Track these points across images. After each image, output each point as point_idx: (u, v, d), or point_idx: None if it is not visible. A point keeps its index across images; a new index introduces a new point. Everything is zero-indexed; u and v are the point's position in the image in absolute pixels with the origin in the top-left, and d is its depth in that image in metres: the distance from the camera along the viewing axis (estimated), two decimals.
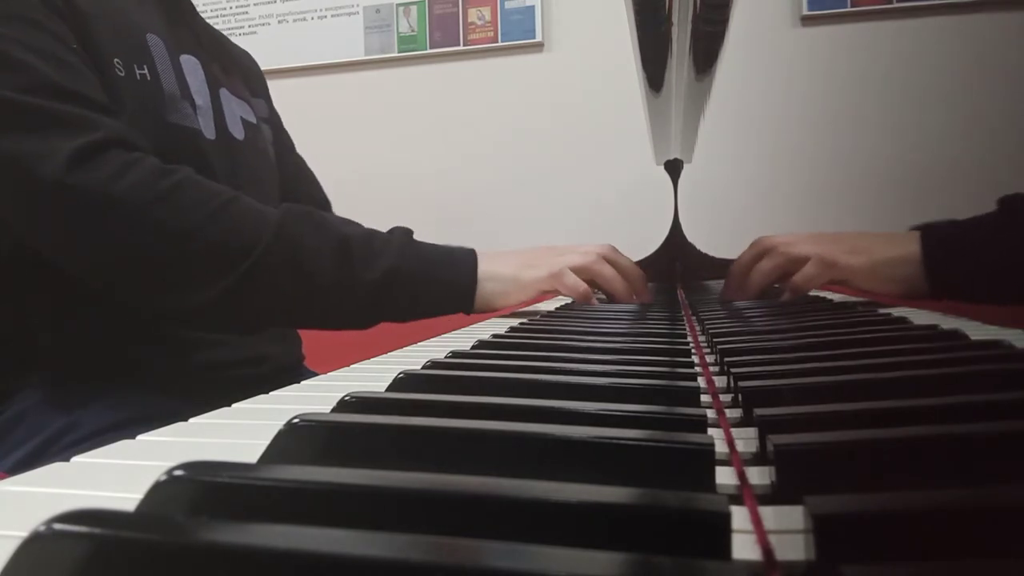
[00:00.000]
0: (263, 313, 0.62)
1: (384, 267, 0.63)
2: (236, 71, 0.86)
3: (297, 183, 0.94)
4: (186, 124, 0.69)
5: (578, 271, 0.69)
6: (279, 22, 1.88)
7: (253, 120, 0.83)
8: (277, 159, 0.89)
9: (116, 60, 0.64)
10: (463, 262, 0.67)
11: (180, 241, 0.57)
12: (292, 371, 0.84)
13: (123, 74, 0.64)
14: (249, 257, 0.59)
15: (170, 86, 0.68)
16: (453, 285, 0.66)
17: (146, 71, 0.66)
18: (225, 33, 0.96)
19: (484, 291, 0.67)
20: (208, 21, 0.89)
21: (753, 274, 0.70)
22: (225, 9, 1.89)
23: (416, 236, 0.69)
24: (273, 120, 0.93)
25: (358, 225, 0.66)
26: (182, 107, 0.69)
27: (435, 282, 0.65)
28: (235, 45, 0.95)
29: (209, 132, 0.72)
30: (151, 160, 0.59)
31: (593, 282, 0.71)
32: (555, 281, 0.69)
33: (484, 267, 0.67)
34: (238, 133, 0.77)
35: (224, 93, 0.77)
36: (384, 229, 0.68)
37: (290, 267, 0.60)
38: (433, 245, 0.68)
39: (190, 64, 0.73)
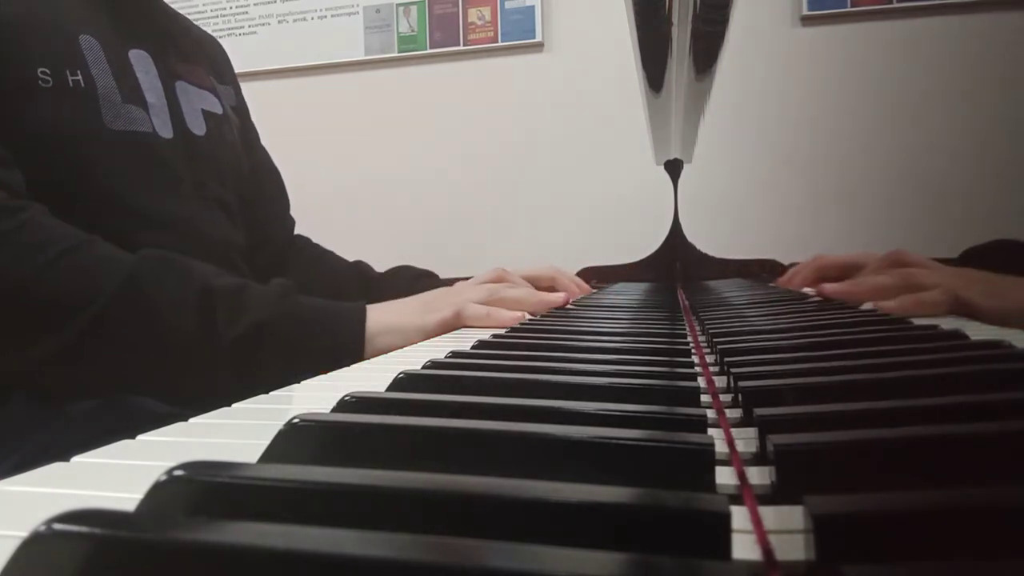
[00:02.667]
0: (115, 372, 0.56)
1: (251, 323, 0.56)
2: (201, 58, 0.83)
3: (259, 179, 0.92)
4: (133, 128, 0.66)
5: (483, 302, 0.64)
6: (279, 22, 1.88)
7: (218, 110, 0.80)
8: (244, 148, 0.86)
9: (41, 70, 0.60)
10: (348, 318, 0.61)
11: (13, 289, 0.52)
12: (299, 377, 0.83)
13: (50, 84, 0.61)
14: (89, 310, 0.53)
15: (108, 90, 0.65)
16: (334, 344, 0.59)
17: (80, 77, 0.63)
18: (225, 33, 0.96)
19: (378, 346, 0.61)
20: (208, 21, 0.89)
21: (867, 284, 0.63)
22: (225, 9, 1.89)
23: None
24: (241, 109, 0.90)
25: (229, 275, 0.60)
26: (127, 111, 0.66)
27: (312, 341, 0.59)
28: (200, 30, 0.91)
29: (165, 131, 0.70)
30: None
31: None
32: (459, 319, 0.63)
33: (375, 321, 0.61)
34: (199, 128, 0.75)
35: (182, 86, 0.74)
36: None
37: (141, 321, 0.54)
38: (315, 300, 0.62)
39: (140, 59, 0.69)
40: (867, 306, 0.62)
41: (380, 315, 0.62)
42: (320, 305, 0.62)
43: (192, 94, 0.76)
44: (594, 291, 0.91)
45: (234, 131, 0.83)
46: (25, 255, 0.53)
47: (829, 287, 0.66)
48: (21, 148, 0.61)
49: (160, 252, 0.58)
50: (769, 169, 1.61)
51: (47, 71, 0.61)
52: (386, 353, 0.60)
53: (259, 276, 0.86)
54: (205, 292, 0.56)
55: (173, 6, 0.83)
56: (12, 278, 0.52)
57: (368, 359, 0.60)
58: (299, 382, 0.39)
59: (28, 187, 0.61)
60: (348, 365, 0.59)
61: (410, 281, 0.92)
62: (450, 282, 0.88)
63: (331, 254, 0.99)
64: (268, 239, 0.92)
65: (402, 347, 0.61)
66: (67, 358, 0.54)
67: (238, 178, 0.82)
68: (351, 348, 0.60)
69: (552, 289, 0.84)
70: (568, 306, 0.74)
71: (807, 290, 0.77)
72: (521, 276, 0.83)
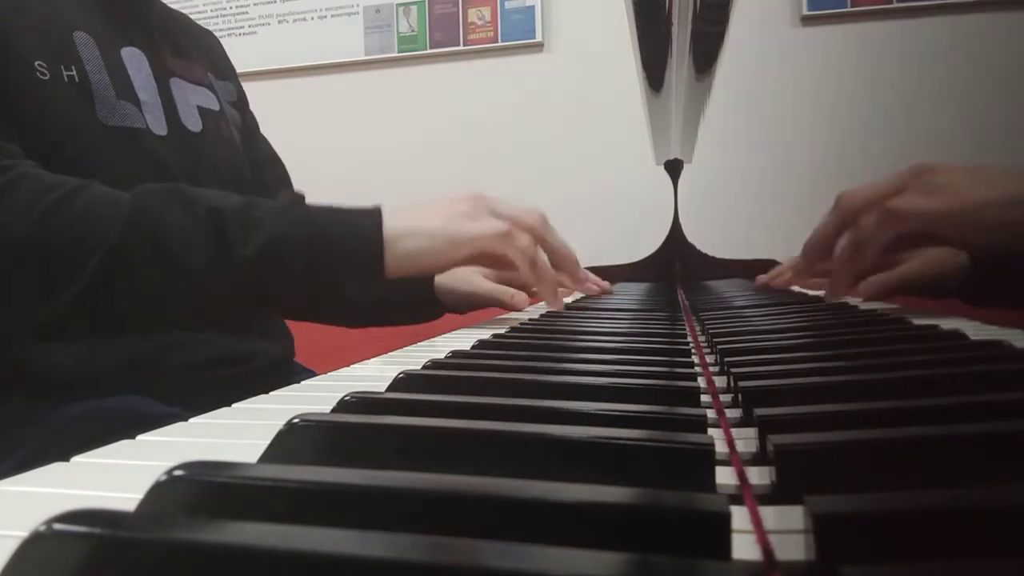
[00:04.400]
0: (136, 310, 0.55)
1: (265, 237, 0.54)
2: (197, 55, 0.82)
3: (264, 166, 0.91)
4: (127, 124, 0.66)
5: (528, 229, 0.59)
6: (279, 22, 1.88)
7: (215, 107, 0.80)
8: (243, 142, 0.86)
9: (38, 63, 0.60)
10: (365, 219, 0.57)
11: (14, 246, 0.52)
12: (283, 366, 0.83)
13: (47, 77, 0.61)
14: (98, 252, 0.51)
15: (102, 86, 0.65)
16: (353, 245, 0.56)
17: (74, 72, 0.63)
18: (225, 33, 0.95)
19: (401, 250, 0.56)
20: (208, 21, 0.88)
21: (839, 254, 0.56)
22: (225, 9, 1.89)
23: None
24: (241, 102, 0.90)
25: (236, 196, 0.58)
26: (121, 107, 0.66)
27: (329, 244, 0.56)
28: (197, 25, 0.90)
29: (159, 128, 0.69)
30: None
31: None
32: (504, 241, 0.57)
33: (396, 222, 0.57)
34: (194, 125, 0.74)
35: (177, 83, 0.74)
36: None
37: (153, 253, 0.53)
38: (328, 207, 0.58)
39: (132, 57, 0.69)
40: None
41: (401, 217, 0.58)
42: (334, 210, 0.58)
43: (187, 91, 0.76)
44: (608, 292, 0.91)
45: (231, 128, 0.83)
46: (24, 208, 0.52)
47: (866, 291, 0.60)
48: (18, 138, 0.61)
49: (162, 184, 0.57)
50: (769, 169, 1.61)
51: (44, 64, 0.61)
52: (411, 259, 0.57)
53: None
54: (212, 214, 0.54)
55: (172, 5, 0.83)
56: (15, 232, 0.52)
57: (392, 266, 0.56)
58: (288, 378, 0.39)
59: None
60: (370, 269, 0.56)
61: None
62: None
63: None
64: None
65: (429, 256, 0.57)
66: (89, 301, 0.52)
67: (236, 175, 0.82)
68: (370, 248, 0.56)
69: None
70: (568, 306, 0.74)
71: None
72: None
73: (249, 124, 0.92)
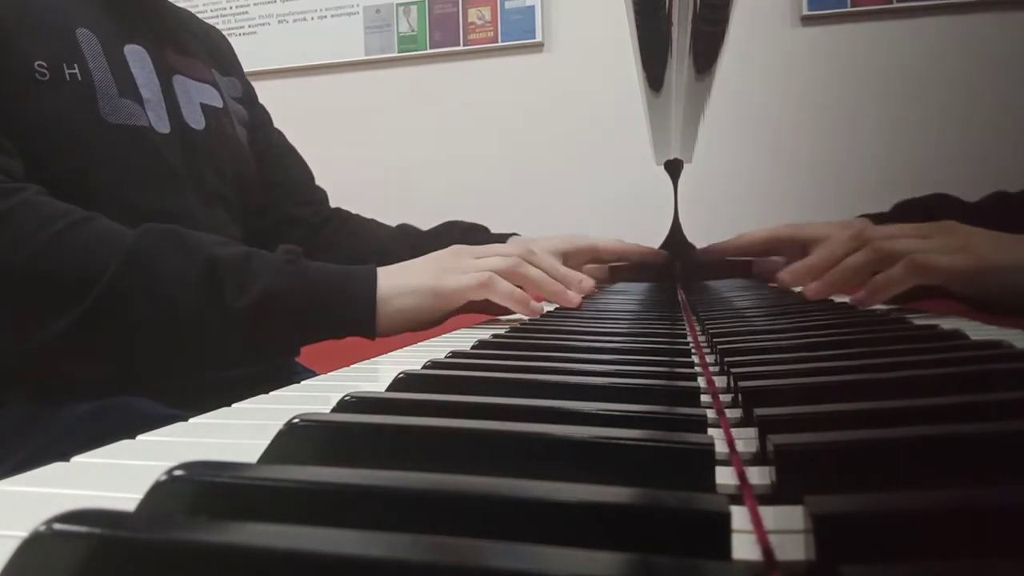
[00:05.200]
0: (122, 349, 0.55)
1: (258, 291, 0.55)
2: (201, 52, 0.82)
3: (277, 160, 0.91)
4: (130, 123, 0.66)
5: (504, 275, 0.61)
6: (279, 22, 1.88)
7: (219, 104, 0.80)
8: (251, 136, 0.86)
9: (39, 63, 0.61)
10: (358, 280, 0.59)
11: (10, 275, 0.52)
12: (283, 366, 0.83)
13: (47, 78, 0.61)
14: (94, 287, 0.52)
15: (105, 84, 0.65)
16: (345, 307, 0.58)
17: (76, 70, 0.63)
18: (225, 33, 0.95)
19: (392, 309, 0.59)
20: (208, 21, 0.88)
21: (839, 273, 0.60)
22: (225, 9, 1.89)
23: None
24: (247, 97, 0.90)
25: (236, 245, 0.59)
26: (123, 105, 0.66)
27: (322, 305, 0.57)
28: (202, 22, 0.91)
29: (161, 126, 0.69)
30: None
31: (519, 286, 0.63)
32: (486, 289, 0.60)
33: (388, 282, 0.59)
34: (197, 122, 0.74)
35: (180, 80, 0.74)
36: None
37: (146, 296, 0.53)
38: (324, 265, 0.60)
39: (135, 55, 0.69)
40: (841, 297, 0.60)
41: (392, 277, 0.60)
42: (329, 269, 0.60)
43: (191, 88, 0.76)
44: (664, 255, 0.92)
45: (236, 124, 0.83)
46: (25, 235, 0.52)
47: (812, 288, 0.63)
48: (19, 141, 0.61)
49: (162, 225, 0.57)
50: (769, 169, 1.61)
51: (44, 64, 0.61)
52: (402, 316, 0.59)
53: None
54: (210, 263, 0.55)
55: (172, 2, 0.83)
56: (13, 259, 0.52)
57: (383, 325, 0.58)
58: (288, 378, 0.39)
59: (26, 179, 0.61)
60: (361, 329, 0.58)
61: (462, 235, 0.90)
62: (502, 238, 0.87)
63: (373, 222, 0.97)
64: (296, 219, 0.91)
65: (419, 313, 0.59)
66: (77, 336, 0.53)
67: (240, 172, 0.82)
68: (362, 310, 0.58)
69: (595, 260, 0.86)
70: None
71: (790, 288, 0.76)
72: (584, 246, 0.84)
73: (260, 118, 0.92)
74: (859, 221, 0.78)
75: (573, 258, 0.85)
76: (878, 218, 0.81)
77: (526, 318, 0.65)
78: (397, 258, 0.66)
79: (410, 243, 0.90)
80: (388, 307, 0.59)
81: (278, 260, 0.58)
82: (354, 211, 1.00)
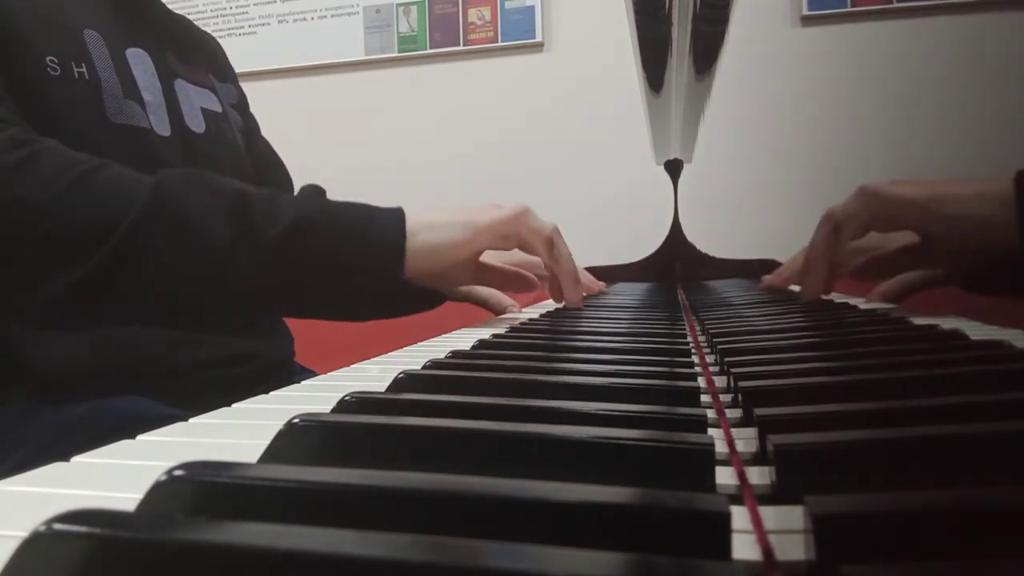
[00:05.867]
0: (158, 289, 0.53)
1: (290, 219, 0.54)
2: (199, 57, 0.83)
3: (264, 170, 0.91)
4: (133, 123, 0.67)
5: (539, 233, 0.61)
6: (279, 22, 1.88)
7: (218, 108, 0.80)
8: (246, 143, 0.86)
9: (50, 58, 0.61)
10: (386, 212, 0.58)
11: (35, 218, 0.50)
12: (283, 366, 0.83)
13: (58, 73, 0.61)
14: (119, 229, 0.50)
15: (111, 84, 0.65)
16: (377, 236, 0.56)
17: (84, 69, 0.63)
18: (225, 33, 0.95)
19: (421, 244, 0.57)
20: (208, 21, 0.88)
21: (809, 253, 0.60)
22: (225, 9, 1.89)
23: None
24: (241, 104, 0.90)
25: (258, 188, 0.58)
26: (127, 106, 0.66)
27: (353, 235, 0.56)
28: (199, 29, 0.91)
29: (162, 129, 0.70)
30: (8, 132, 0.52)
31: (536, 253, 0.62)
32: (520, 223, 0.59)
33: (414, 218, 0.58)
34: (197, 126, 0.75)
35: (180, 84, 0.75)
36: None
37: (176, 232, 0.52)
38: (349, 202, 0.58)
39: (137, 57, 0.70)
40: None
41: (421, 215, 0.59)
42: (354, 203, 0.58)
43: (191, 92, 0.76)
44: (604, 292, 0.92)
45: (234, 129, 0.83)
46: (43, 182, 0.51)
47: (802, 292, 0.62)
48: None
49: (182, 169, 0.56)
50: (769, 169, 1.61)
51: (55, 60, 0.62)
52: (432, 250, 0.57)
53: None
54: (237, 195, 0.54)
55: (173, 6, 0.84)
56: (32, 205, 0.50)
57: (412, 260, 0.56)
58: (288, 378, 0.38)
59: None
60: (391, 260, 0.56)
61: None
62: None
63: None
64: None
65: (453, 248, 0.58)
66: (106, 280, 0.51)
67: (239, 176, 0.82)
68: (393, 239, 0.56)
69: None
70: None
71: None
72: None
73: (251, 126, 0.93)
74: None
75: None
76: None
77: (524, 318, 0.65)
78: None
79: None
80: (416, 241, 0.57)
81: (303, 196, 0.58)
82: None
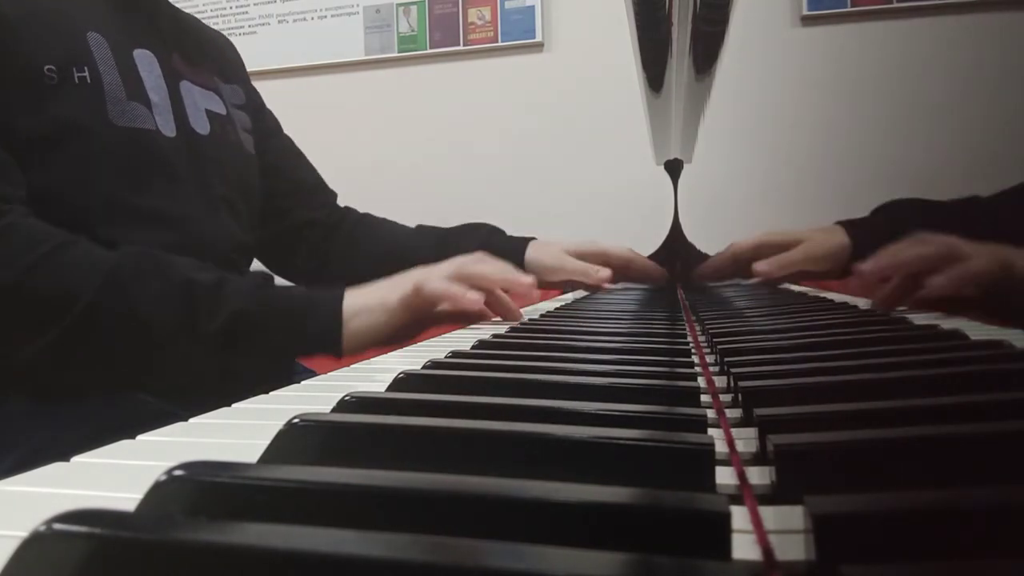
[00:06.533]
0: (100, 369, 0.58)
1: (229, 313, 0.58)
2: (206, 58, 0.83)
3: (284, 167, 0.93)
4: (137, 125, 0.67)
5: (454, 279, 0.63)
6: (279, 22, 1.88)
7: (223, 111, 0.80)
8: (259, 144, 0.87)
9: (48, 67, 0.61)
10: (325, 302, 0.63)
11: None
12: (286, 368, 0.83)
13: (55, 82, 0.62)
14: (74, 308, 0.55)
15: (114, 87, 0.66)
16: (313, 327, 0.61)
17: (86, 73, 0.64)
18: (225, 33, 0.95)
19: (353, 329, 0.62)
20: (208, 21, 0.88)
21: (907, 255, 0.58)
22: (225, 9, 1.89)
23: None
24: (252, 104, 0.90)
25: (209, 270, 0.62)
26: (131, 108, 0.67)
27: (290, 326, 0.61)
28: (209, 28, 0.92)
29: (168, 130, 0.70)
30: None
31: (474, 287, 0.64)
32: (420, 294, 0.63)
33: (350, 303, 0.62)
34: (202, 128, 0.75)
35: (186, 86, 0.75)
36: None
37: (124, 318, 0.56)
38: (293, 288, 0.64)
39: (144, 59, 0.70)
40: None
41: (355, 298, 0.63)
42: (298, 291, 0.64)
43: (196, 94, 0.76)
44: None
45: (239, 131, 0.83)
46: (8, 258, 0.55)
47: (864, 267, 0.59)
48: (25, 146, 0.61)
49: (140, 249, 0.60)
50: (769, 169, 1.61)
51: (53, 68, 0.62)
52: (363, 335, 0.62)
53: (313, 263, 0.90)
54: (185, 286, 0.58)
55: (176, 5, 0.84)
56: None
57: (346, 344, 0.61)
58: (288, 379, 0.39)
59: (33, 183, 0.61)
60: (328, 348, 0.61)
61: (486, 236, 0.95)
62: (523, 242, 0.94)
63: (388, 221, 1.00)
64: (310, 222, 0.94)
65: (375, 329, 0.62)
66: (56, 357, 0.56)
67: (242, 179, 0.82)
68: (327, 329, 0.61)
69: (605, 264, 0.90)
70: (568, 306, 0.74)
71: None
72: (564, 250, 0.90)
73: (270, 126, 0.93)
74: (836, 228, 0.81)
75: (584, 259, 0.91)
76: (851, 225, 0.85)
77: (524, 318, 0.65)
78: (421, 256, 0.70)
79: (434, 241, 0.93)
80: (350, 326, 0.62)
81: (249, 284, 0.62)
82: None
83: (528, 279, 0.67)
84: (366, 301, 0.63)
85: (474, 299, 0.62)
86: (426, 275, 0.64)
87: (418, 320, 0.65)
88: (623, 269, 0.95)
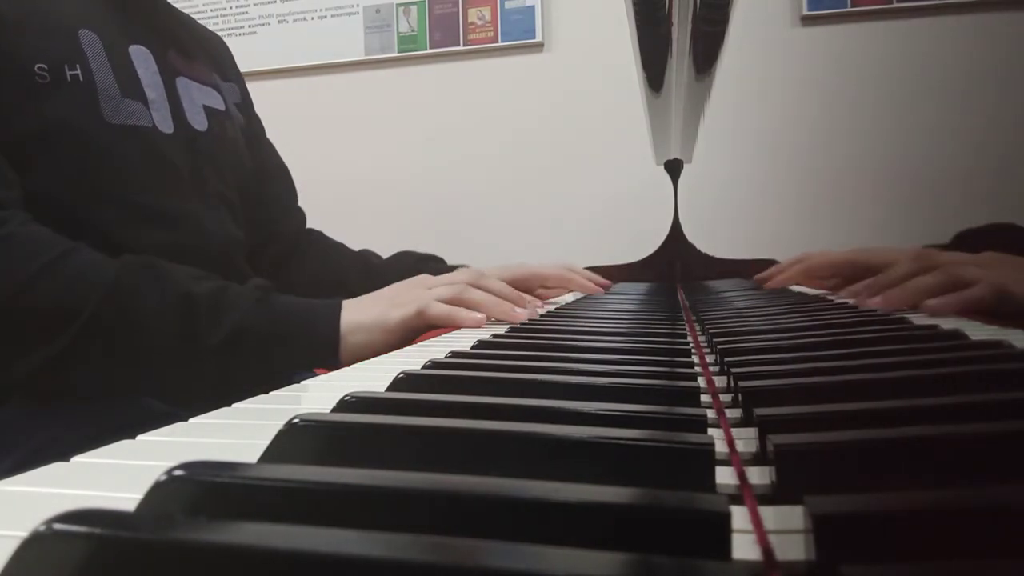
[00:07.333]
0: (100, 379, 0.58)
1: (231, 326, 0.58)
2: (202, 55, 0.83)
3: (269, 175, 0.92)
4: (133, 123, 0.67)
5: (448, 301, 0.64)
6: (279, 22, 1.87)
7: (221, 107, 0.80)
8: (248, 145, 0.86)
9: (39, 66, 0.61)
10: (324, 316, 0.62)
11: (1, 303, 0.54)
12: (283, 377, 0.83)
13: (47, 80, 0.61)
14: (77, 320, 0.55)
15: (108, 84, 0.65)
16: (312, 342, 0.61)
17: (79, 71, 0.63)
18: (225, 33, 0.95)
19: (350, 344, 0.62)
20: (208, 21, 0.88)
21: (911, 289, 0.60)
22: (225, 9, 1.89)
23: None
24: (245, 105, 0.90)
25: (209, 278, 0.62)
26: (126, 105, 0.66)
27: (290, 340, 0.61)
28: (203, 28, 0.91)
29: (165, 126, 0.70)
30: None
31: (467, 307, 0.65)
32: (422, 318, 0.63)
33: (348, 318, 0.62)
34: (200, 124, 0.75)
35: (182, 81, 0.75)
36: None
37: (125, 329, 0.56)
38: (292, 299, 0.63)
39: (140, 55, 0.70)
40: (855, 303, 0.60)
41: (352, 313, 0.63)
42: (297, 303, 0.63)
43: (194, 90, 0.76)
44: (610, 286, 0.94)
45: (236, 128, 0.83)
46: (8, 271, 0.54)
47: (876, 300, 0.61)
48: (20, 145, 0.61)
49: (142, 258, 0.59)
50: (769, 169, 1.61)
51: (44, 67, 0.61)
52: (359, 351, 0.62)
53: (267, 272, 0.87)
54: (186, 297, 0.58)
55: (171, 4, 0.83)
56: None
57: (343, 358, 0.61)
58: (287, 382, 0.39)
59: (28, 184, 0.61)
60: (326, 363, 0.61)
61: (413, 265, 0.92)
62: (452, 269, 0.88)
63: (340, 246, 0.99)
64: (277, 235, 0.93)
65: (370, 348, 0.61)
66: (57, 367, 0.55)
67: (240, 175, 0.82)
68: (326, 343, 0.61)
69: (542, 287, 0.87)
70: (568, 306, 0.74)
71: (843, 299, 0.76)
72: (529, 274, 0.85)
73: (255, 128, 0.93)
74: (923, 250, 0.78)
75: (519, 286, 0.83)
76: (940, 249, 0.82)
77: (524, 319, 0.65)
78: (351, 289, 0.69)
79: (364, 273, 0.92)
80: (347, 342, 0.62)
81: (249, 294, 0.61)
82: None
83: (524, 316, 0.65)
84: (364, 319, 0.63)
85: (477, 319, 0.62)
86: (428, 299, 0.63)
87: (416, 334, 0.66)
88: (564, 287, 0.92)
